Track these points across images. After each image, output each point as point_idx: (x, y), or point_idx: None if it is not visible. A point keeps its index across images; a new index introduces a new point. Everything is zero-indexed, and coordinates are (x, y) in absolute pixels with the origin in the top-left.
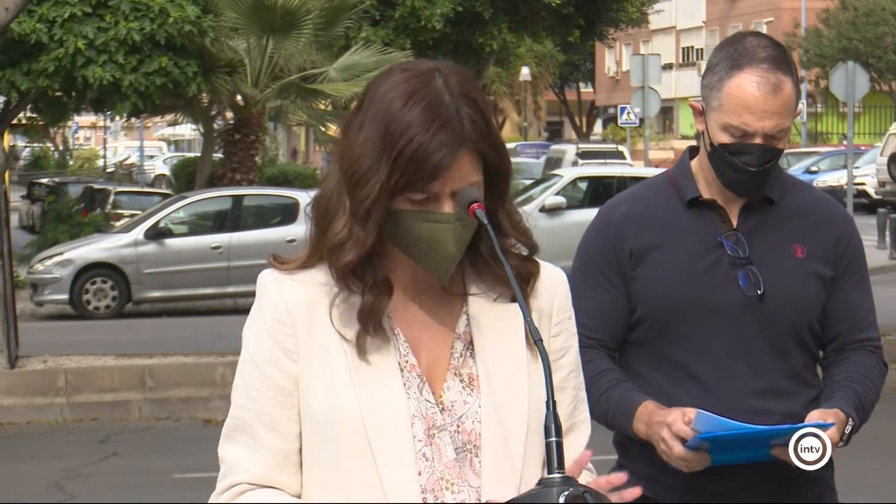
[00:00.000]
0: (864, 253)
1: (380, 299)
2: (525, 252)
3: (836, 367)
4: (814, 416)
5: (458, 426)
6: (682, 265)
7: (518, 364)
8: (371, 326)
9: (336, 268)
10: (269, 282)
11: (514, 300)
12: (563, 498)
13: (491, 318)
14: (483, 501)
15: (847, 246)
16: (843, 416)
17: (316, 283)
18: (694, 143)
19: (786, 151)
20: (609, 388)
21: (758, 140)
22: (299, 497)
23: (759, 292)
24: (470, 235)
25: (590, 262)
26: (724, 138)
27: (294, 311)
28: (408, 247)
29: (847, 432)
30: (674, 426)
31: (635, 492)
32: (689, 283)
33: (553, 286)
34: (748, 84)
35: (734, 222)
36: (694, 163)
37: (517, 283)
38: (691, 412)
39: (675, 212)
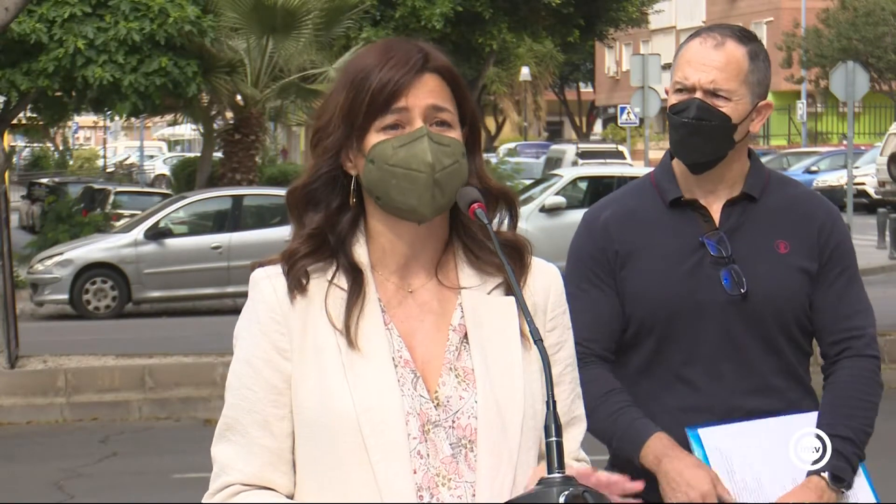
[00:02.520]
0: (851, 244)
1: (303, 247)
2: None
3: (826, 394)
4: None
5: (454, 422)
6: (666, 267)
7: (513, 358)
8: (289, 278)
9: (287, 193)
10: (262, 279)
11: (508, 294)
12: (564, 498)
13: (485, 311)
14: (478, 501)
15: (829, 237)
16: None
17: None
18: None
19: (786, 151)
20: (617, 413)
21: (697, 94)
22: (292, 496)
23: (742, 291)
24: (454, 167)
25: (581, 266)
26: (673, 99)
27: (287, 308)
28: (389, 187)
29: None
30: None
31: (636, 486)
32: (673, 285)
33: (547, 281)
34: (694, 43)
35: (716, 221)
36: (675, 162)
37: (516, 282)
38: (722, 490)
39: (658, 213)
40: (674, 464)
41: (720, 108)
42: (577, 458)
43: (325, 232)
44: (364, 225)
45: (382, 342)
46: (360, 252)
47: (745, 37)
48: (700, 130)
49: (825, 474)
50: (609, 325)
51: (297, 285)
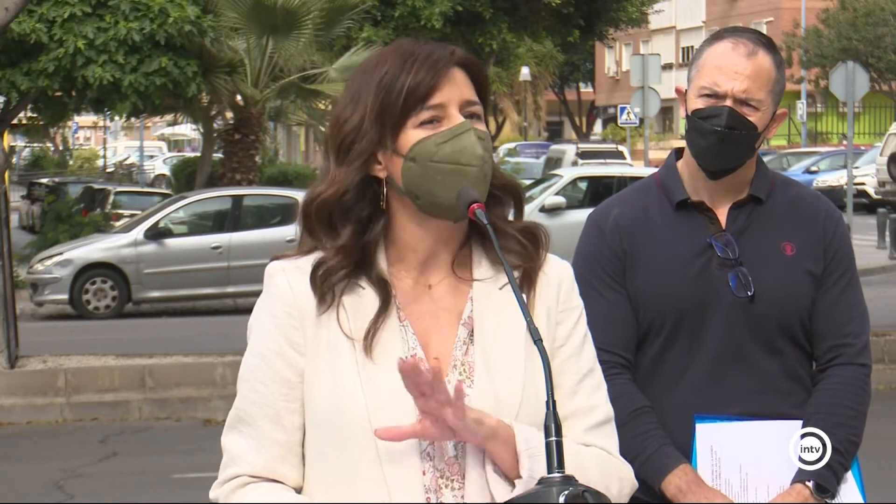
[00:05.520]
0: (852, 249)
1: (334, 261)
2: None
3: (813, 402)
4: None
5: None
6: (673, 268)
7: (516, 353)
8: (318, 291)
9: (303, 205)
10: (277, 272)
11: (520, 288)
12: (563, 497)
13: (494, 305)
14: (468, 501)
15: (831, 240)
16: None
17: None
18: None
19: (786, 151)
20: (644, 435)
21: (728, 103)
22: (300, 489)
23: (749, 293)
24: (491, 160)
25: (593, 267)
26: (699, 104)
27: (302, 303)
28: (433, 184)
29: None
30: None
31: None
32: (680, 287)
33: (558, 278)
34: (723, 47)
35: (723, 223)
36: (680, 164)
37: (516, 283)
38: None
39: (665, 215)
40: (694, 501)
41: (749, 118)
42: (585, 443)
43: (356, 243)
44: (386, 225)
45: (396, 340)
46: (378, 250)
47: (772, 45)
48: (730, 139)
49: (810, 483)
50: (629, 328)
51: (322, 301)
